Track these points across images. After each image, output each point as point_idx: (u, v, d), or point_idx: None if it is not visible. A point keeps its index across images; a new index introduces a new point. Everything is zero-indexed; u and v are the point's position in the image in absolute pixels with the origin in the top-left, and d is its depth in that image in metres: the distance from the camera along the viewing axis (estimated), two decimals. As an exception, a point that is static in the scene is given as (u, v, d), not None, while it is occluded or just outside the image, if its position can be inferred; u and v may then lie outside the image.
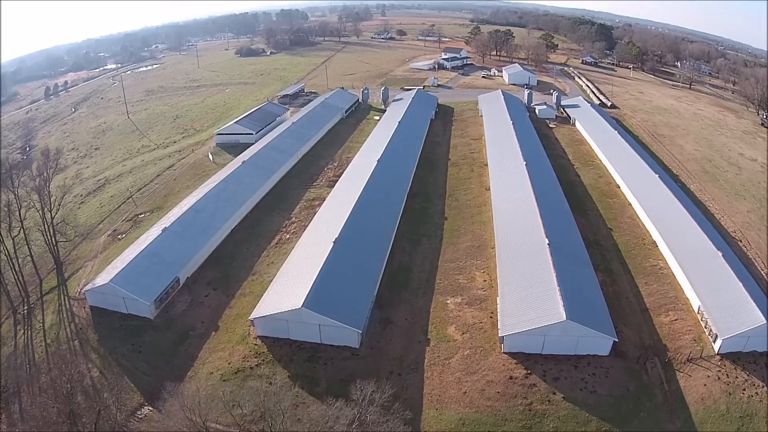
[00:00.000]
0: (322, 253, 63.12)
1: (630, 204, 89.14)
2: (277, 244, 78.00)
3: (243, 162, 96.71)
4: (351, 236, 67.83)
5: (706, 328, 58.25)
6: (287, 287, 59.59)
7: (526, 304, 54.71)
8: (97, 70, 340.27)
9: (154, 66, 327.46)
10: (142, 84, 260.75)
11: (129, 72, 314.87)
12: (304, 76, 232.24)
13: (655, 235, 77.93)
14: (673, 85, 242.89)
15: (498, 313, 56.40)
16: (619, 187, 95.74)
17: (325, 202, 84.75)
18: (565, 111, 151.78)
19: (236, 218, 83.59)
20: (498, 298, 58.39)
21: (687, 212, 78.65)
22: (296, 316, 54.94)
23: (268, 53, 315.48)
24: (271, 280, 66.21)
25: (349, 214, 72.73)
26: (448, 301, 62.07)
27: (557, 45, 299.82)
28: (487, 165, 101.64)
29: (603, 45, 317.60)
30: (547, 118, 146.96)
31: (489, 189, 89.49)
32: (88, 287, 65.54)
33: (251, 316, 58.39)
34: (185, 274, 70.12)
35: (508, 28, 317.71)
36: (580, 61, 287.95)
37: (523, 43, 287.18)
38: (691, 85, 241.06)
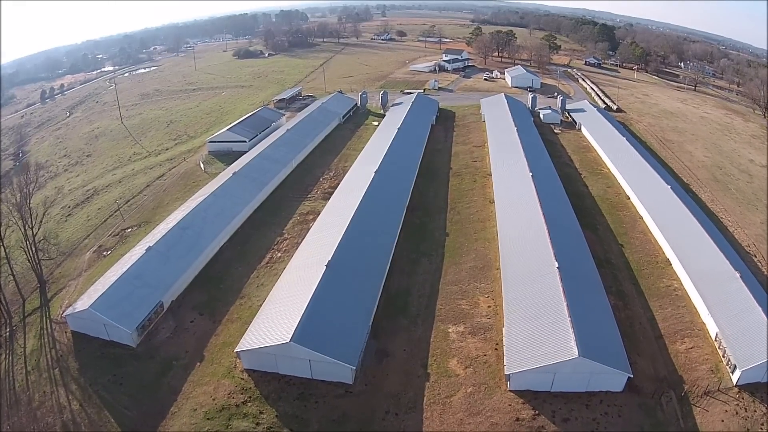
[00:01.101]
0: (313, 278, 58.63)
1: (641, 217, 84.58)
2: (267, 263, 73.60)
3: (234, 173, 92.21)
4: (345, 258, 63.33)
5: (724, 357, 54.28)
6: (275, 317, 55.13)
7: (534, 337, 50.19)
8: (95, 72, 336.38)
9: (152, 68, 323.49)
10: (139, 87, 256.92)
11: (126, 74, 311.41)
12: (301, 79, 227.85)
13: (669, 253, 73.48)
14: (677, 87, 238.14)
15: (504, 347, 51.93)
16: (629, 199, 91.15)
17: (319, 216, 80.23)
18: (570, 115, 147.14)
19: (225, 235, 79.22)
20: (504, 329, 53.87)
21: (702, 227, 74.07)
22: (284, 350, 50.57)
23: (266, 55, 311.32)
24: (260, 305, 61.99)
25: (343, 232, 68.20)
26: (450, 330, 57.56)
27: (560, 46, 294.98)
28: (490, 175, 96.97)
29: (606, 46, 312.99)
30: (552, 123, 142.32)
31: (493, 202, 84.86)
32: (68, 312, 61.81)
33: (237, 349, 54.03)
34: (170, 298, 65.94)
35: (510, 28, 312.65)
36: (583, 62, 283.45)
37: (525, 44, 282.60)
38: (696, 86, 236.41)
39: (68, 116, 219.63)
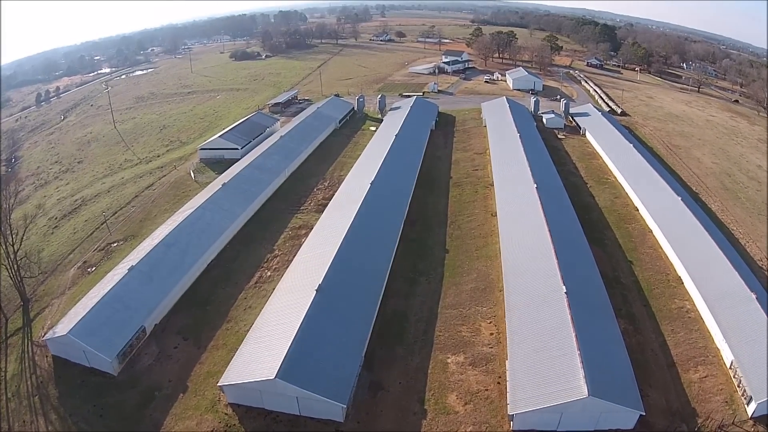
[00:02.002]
0: (302, 304, 54.60)
1: (650, 231, 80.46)
2: (256, 283, 69.58)
3: (223, 184, 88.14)
4: (337, 280, 59.27)
5: (739, 387, 50.67)
6: (261, 348, 51.13)
7: (540, 372, 46.14)
8: (91, 74, 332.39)
9: (148, 70, 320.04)
10: (134, 90, 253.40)
11: (123, 76, 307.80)
12: (298, 82, 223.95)
13: (680, 270, 69.47)
14: (681, 89, 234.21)
15: (507, 383, 47.81)
16: (638, 210, 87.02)
17: (311, 232, 76.14)
18: (574, 120, 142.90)
19: (213, 251, 75.19)
20: (507, 362, 49.77)
21: (714, 243, 69.99)
22: (269, 386, 46.58)
23: (263, 57, 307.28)
24: (248, 330, 58.10)
25: (336, 251, 64.12)
26: (449, 360, 53.49)
27: (562, 47, 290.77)
28: (492, 185, 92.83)
29: (607, 46, 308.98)
30: (556, 128, 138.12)
31: (495, 215, 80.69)
32: (48, 336, 58.55)
33: (220, 383, 50.09)
34: (153, 321, 62.15)
35: (510, 29, 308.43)
36: (585, 63, 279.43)
37: (526, 45, 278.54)
38: (699, 88, 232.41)
39: (62, 120, 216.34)
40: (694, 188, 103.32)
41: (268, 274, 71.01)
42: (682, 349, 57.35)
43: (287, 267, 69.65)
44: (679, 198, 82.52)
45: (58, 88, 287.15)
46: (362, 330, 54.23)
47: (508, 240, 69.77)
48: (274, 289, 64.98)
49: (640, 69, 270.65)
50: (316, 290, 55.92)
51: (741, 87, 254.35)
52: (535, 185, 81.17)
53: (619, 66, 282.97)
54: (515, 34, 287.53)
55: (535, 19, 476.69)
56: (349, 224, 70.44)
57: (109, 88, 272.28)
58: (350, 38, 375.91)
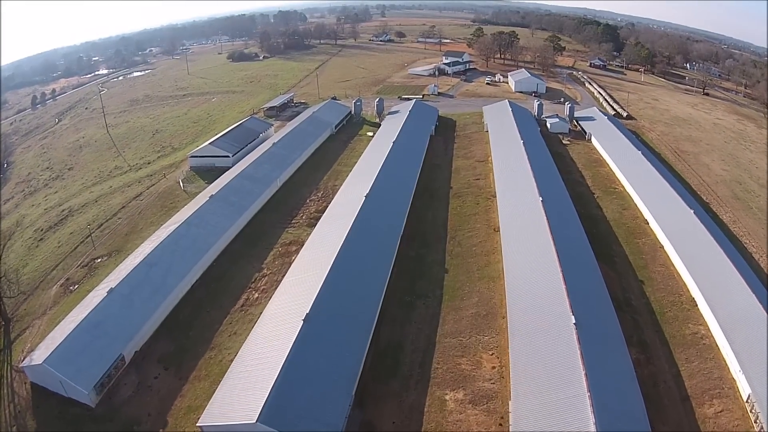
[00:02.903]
0: (288, 335, 50.26)
1: (662, 246, 75.96)
2: (243, 306, 65.26)
3: (211, 196, 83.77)
4: (327, 307, 54.90)
5: (756, 423, 46.44)
6: (243, 385, 46.88)
7: (547, 416, 41.70)
8: (89, 75, 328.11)
9: (146, 71, 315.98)
10: (129, 92, 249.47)
11: (121, 78, 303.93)
12: (296, 84, 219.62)
13: (694, 291, 65.05)
14: (686, 90, 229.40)
15: (510, 425, 43.35)
16: (648, 223, 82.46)
17: (301, 251, 71.66)
18: (578, 124, 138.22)
19: (198, 270, 70.88)
20: (510, 403, 45.31)
21: (730, 261, 65.47)
22: (251, 429, 42.24)
23: (260, 58, 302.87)
24: (232, 359, 54.02)
25: (326, 275, 59.70)
26: (447, 397, 49.05)
27: (564, 47, 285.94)
28: (494, 196, 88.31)
29: (610, 46, 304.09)
30: (560, 133, 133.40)
31: (498, 230, 76.12)
32: (25, 363, 55.17)
33: (200, 423, 45.92)
34: (133, 348, 58.23)
35: (512, 29, 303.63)
36: (588, 63, 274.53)
37: (528, 45, 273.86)
38: (704, 90, 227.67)
39: (57, 123, 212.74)
40: (704, 198, 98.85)
41: (256, 296, 66.69)
42: (696, 381, 53.14)
43: (276, 288, 65.37)
44: (692, 211, 77.99)
45: (53, 90, 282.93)
46: (353, 363, 49.84)
47: (512, 260, 65.25)
48: (261, 313, 60.80)
49: (644, 70, 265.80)
50: (303, 320, 51.55)
51: (745, 88, 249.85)
52: (541, 198, 76.56)
53: (622, 67, 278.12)
54: (517, 34, 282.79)
55: (536, 18, 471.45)
56: (341, 242, 66.00)
57: (105, 90, 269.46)
58: (349, 38, 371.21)
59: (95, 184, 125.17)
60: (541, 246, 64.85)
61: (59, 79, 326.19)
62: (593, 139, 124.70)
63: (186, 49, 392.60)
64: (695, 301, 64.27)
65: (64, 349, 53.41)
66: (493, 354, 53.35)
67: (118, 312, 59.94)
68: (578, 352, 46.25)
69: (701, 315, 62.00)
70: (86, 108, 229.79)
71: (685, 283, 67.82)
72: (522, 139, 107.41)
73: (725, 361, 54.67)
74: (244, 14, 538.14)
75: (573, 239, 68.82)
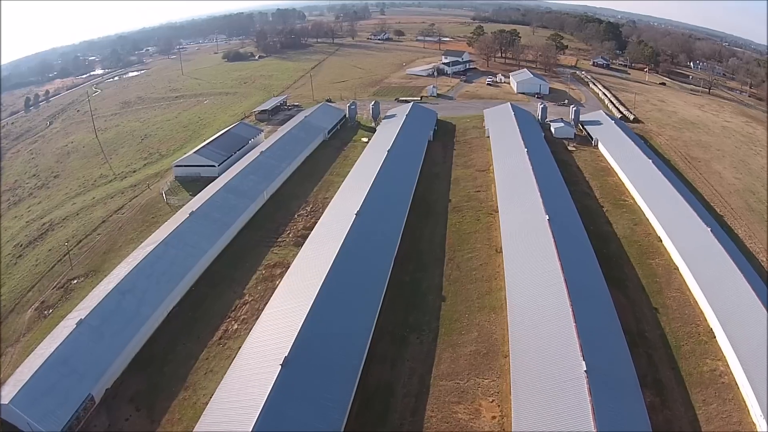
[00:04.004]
0: (264, 382, 44.68)
1: (677, 268, 70.23)
2: (221, 338, 59.70)
3: (192, 213, 78.08)
4: (310, 347, 49.23)
5: None
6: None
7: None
8: (84, 76, 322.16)
9: (141, 72, 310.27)
10: (122, 94, 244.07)
11: (116, 78, 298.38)
12: (290, 85, 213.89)
13: (712, 320, 59.46)
14: (692, 91, 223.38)
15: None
16: (661, 241, 76.65)
17: (285, 276, 65.90)
18: (584, 129, 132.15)
19: (175, 296, 65.34)
20: (515, 466, 39.74)
21: (750, 288, 59.74)
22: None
23: (256, 57, 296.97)
24: (207, 401, 48.62)
25: (310, 305, 54.09)
26: (443, 454, 43.55)
27: (567, 46, 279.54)
28: (496, 211, 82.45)
29: (613, 45, 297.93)
30: (565, 138, 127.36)
31: (500, 251, 70.19)
32: None
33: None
34: (103, 386, 53.11)
35: (513, 27, 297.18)
36: (591, 62, 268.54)
37: (529, 44, 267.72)
38: (710, 89, 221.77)
39: (48, 127, 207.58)
40: (718, 210, 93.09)
41: (235, 327, 61.10)
42: (714, 426, 47.76)
43: (256, 318, 59.83)
44: (709, 229, 72.09)
45: (47, 91, 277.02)
46: (337, 414, 44.20)
47: (516, 288, 59.43)
48: (239, 348, 55.34)
49: (648, 69, 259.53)
50: (282, 364, 45.89)
51: (750, 87, 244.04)
52: (547, 217, 70.59)
53: (626, 66, 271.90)
54: (518, 33, 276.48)
55: (537, 16, 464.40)
56: (327, 270, 60.22)
57: (98, 91, 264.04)
58: (347, 37, 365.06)
59: (78, 194, 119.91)
60: (547, 272, 59.09)
61: (55, 79, 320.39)
62: (600, 146, 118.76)
63: (182, 48, 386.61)
64: (713, 332, 58.76)
65: (30, 388, 48.95)
66: (493, 401, 47.65)
67: (88, 346, 55.00)
68: (589, 405, 40.59)
69: (720, 348, 56.55)
70: (78, 111, 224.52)
71: (702, 311, 62.23)
72: (526, 148, 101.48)
73: (745, 403, 49.39)
74: (242, 13, 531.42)
75: (582, 264, 63.04)
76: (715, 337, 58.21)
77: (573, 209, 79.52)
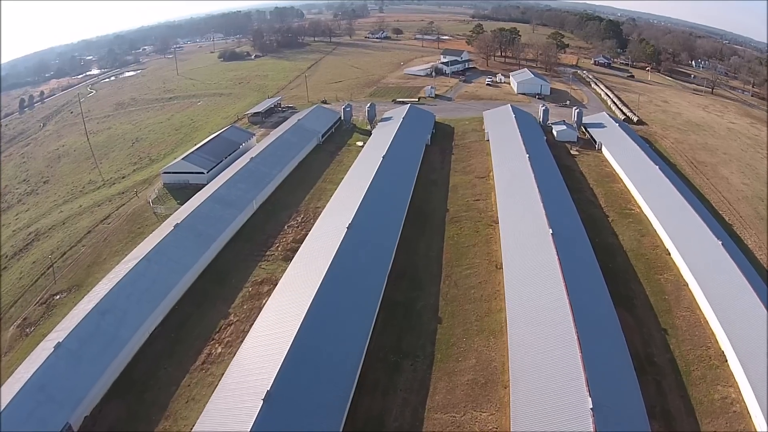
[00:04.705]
0: (244, 419, 41.15)
1: (686, 284, 66.63)
2: (203, 363, 56.15)
3: (176, 225, 74.40)
4: (294, 380, 45.70)
5: None
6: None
7: None
8: (80, 76, 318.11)
9: (137, 72, 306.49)
10: (116, 95, 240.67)
11: (112, 78, 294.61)
12: (286, 85, 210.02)
13: (723, 342, 56.04)
14: (695, 90, 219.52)
15: None
16: (670, 254, 72.99)
17: (273, 294, 62.25)
18: (587, 131, 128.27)
19: (156, 317, 61.81)
20: None
21: (765, 309, 56.24)
22: None
23: (252, 57, 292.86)
24: (187, 433, 45.36)
25: (296, 331, 50.58)
26: (438, 500, 40.01)
27: (568, 44, 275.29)
28: (497, 222, 78.69)
29: (614, 43, 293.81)
30: (568, 142, 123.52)
31: (500, 267, 66.45)
32: None
33: None
34: (82, 413, 49.98)
35: (513, 26, 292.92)
36: (592, 61, 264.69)
37: (530, 42, 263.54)
38: (713, 89, 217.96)
39: (41, 129, 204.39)
40: (726, 218, 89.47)
41: (219, 350, 57.53)
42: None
43: (241, 341, 56.31)
44: (720, 242, 68.44)
45: (42, 92, 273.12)
46: (323, 456, 40.68)
47: (517, 311, 55.73)
48: (222, 374, 51.92)
49: (650, 68, 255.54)
50: (264, 399, 42.35)
51: (753, 87, 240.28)
52: (551, 231, 66.80)
53: (627, 65, 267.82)
54: (518, 31, 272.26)
55: (537, 14, 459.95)
56: (316, 289, 56.58)
57: (93, 92, 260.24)
58: (345, 36, 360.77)
59: (66, 201, 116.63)
60: (551, 294, 55.45)
61: (51, 79, 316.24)
62: (604, 149, 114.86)
63: (179, 47, 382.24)
64: (725, 355, 55.34)
65: (6, 418, 46.10)
66: (493, 438, 44.14)
67: (66, 372, 51.86)
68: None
69: (731, 373, 53.20)
70: (71, 112, 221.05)
71: (713, 332, 58.71)
72: (527, 153, 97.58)
73: (757, 435, 46.04)
74: (240, 11, 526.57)
75: (588, 284, 59.39)
76: (726, 360, 54.89)
77: (577, 220, 75.79)
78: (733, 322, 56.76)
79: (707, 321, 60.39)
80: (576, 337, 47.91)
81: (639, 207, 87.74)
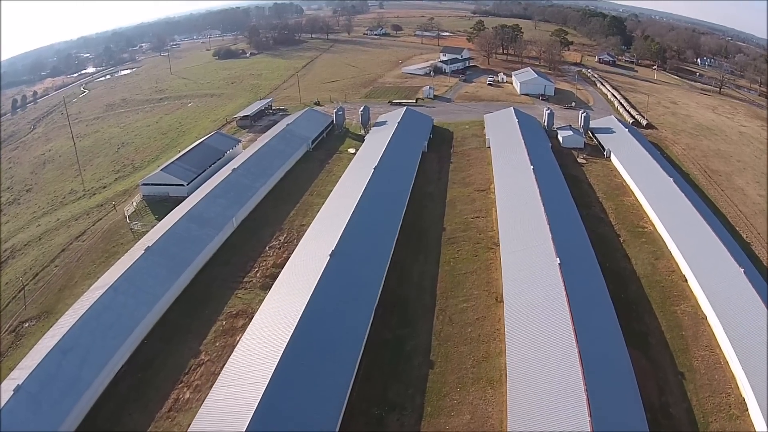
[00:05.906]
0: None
1: (705, 317, 60.50)
2: (170, 411, 50.33)
3: (147, 249, 68.36)
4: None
5: None
6: None
7: None
8: (74, 75, 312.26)
9: (132, 70, 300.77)
10: (108, 95, 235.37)
11: (108, 77, 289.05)
12: (279, 84, 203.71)
13: (745, 387, 49.88)
14: (702, 90, 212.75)
15: None
16: (686, 281, 66.81)
17: (247, 330, 56.24)
18: (595, 137, 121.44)
19: (122, 354, 56.10)
20: None
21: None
22: None
23: (247, 55, 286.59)
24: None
25: (270, 377, 44.78)
26: None
27: (572, 42, 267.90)
28: (497, 245, 72.19)
29: (618, 40, 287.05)
30: (574, 148, 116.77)
31: (501, 300, 60.09)
32: None
33: None
34: None
35: (515, 22, 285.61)
36: (596, 59, 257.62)
37: (532, 39, 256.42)
38: (721, 89, 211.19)
39: (31, 131, 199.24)
40: (744, 235, 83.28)
41: (187, 396, 51.65)
42: None
43: (211, 385, 50.43)
44: (742, 270, 62.14)
45: (35, 92, 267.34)
46: None
47: (518, 356, 49.44)
48: (189, 424, 46.11)
49: (656, 66, 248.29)
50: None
51: (760, 86, 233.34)
52: (558, 261, 60.36)
53: (632, 62, 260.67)
54: (520, 28, 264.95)
55: (539, 10, 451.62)
56: (293, 329, 50.55)
57: (86, 92, 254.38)
58: (343, 33, 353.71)
59: (45, 213, 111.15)
60: (557, 338, 49.23)
61: (46, 78, 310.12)
62: (613, 157, 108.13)
63: (175, 45, 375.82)
64: (746, 404, 49.32)
65: None
66: None
67: (25, 418, 46.77)
68: None
69: (752, 424, 47.22)
70: (62, 114, 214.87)
71: (733, 375, 52.63)
72: (532, 165, 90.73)
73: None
74: (238, 7, 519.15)
75: (598, 322, 53.17)
76: (747, 409, 48.89)
77: (586, 243, 69.11)
78: (755, 365, 50.62)
79: (727, 362, 54.31)
80: (585, 397, 41.71)
81: (652, 224, 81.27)
